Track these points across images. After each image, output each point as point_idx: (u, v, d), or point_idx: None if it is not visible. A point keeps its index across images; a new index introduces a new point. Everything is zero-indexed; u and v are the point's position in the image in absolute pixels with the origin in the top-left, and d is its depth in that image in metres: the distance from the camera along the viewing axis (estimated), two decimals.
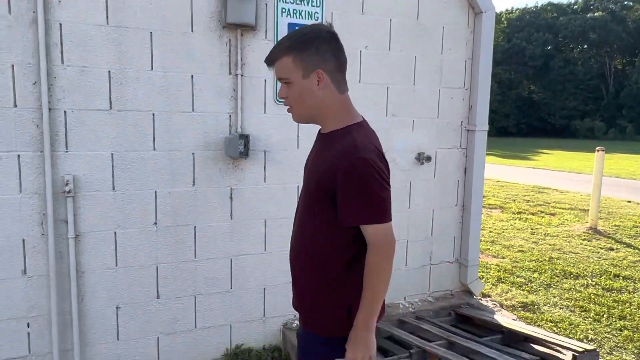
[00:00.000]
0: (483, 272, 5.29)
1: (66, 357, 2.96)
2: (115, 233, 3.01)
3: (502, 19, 50.76)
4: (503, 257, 5.96)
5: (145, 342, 3.16)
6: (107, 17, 2.85)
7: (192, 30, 3.06)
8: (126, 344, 3.11)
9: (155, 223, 3.10)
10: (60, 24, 2.76)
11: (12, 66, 2.69)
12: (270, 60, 1.65)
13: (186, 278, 3.22)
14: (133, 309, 3.11)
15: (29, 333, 2.87)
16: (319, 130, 1.77)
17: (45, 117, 2.75)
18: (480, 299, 4.43)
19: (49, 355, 2.91)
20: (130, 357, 3.13)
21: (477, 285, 4.27)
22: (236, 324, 3.40)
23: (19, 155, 2.75)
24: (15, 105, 2.72)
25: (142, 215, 3.07)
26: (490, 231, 7.22)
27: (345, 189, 1.54)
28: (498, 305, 4.46)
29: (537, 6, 55.88)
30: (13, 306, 2.82)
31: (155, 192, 3.08)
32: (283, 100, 1.69)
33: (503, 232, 7.26)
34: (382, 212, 1.56)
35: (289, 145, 3.41)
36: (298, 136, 3.44)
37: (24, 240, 2.81)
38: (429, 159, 3.88)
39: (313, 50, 1.59)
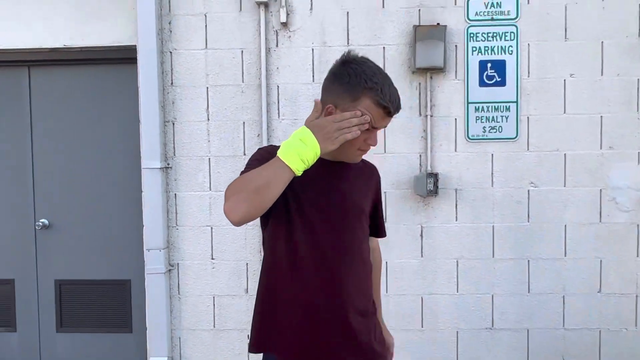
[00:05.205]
0: None
1: None
2: None
3: None
4: None
5: None
6: (312, 77, 3.35)
7: None
8: None
9: None
10: (278, 86, 3.37)
11: (243, 123, 3.38)
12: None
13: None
14: None
15: (247, 344, 3.40)
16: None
17: None
18: None
19: None
20: None
21: None
22: None
23: None
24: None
25: None
26: None
27: (380, 203, 1.84)
28: None
29: None
30: (246, 319, 3.40)
31: None
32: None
33: None
34: None
35: (483, 184, 3.30)
36: (492, 174, 3.31)
37: (247, 264, 3.40)
38: None
39: None
